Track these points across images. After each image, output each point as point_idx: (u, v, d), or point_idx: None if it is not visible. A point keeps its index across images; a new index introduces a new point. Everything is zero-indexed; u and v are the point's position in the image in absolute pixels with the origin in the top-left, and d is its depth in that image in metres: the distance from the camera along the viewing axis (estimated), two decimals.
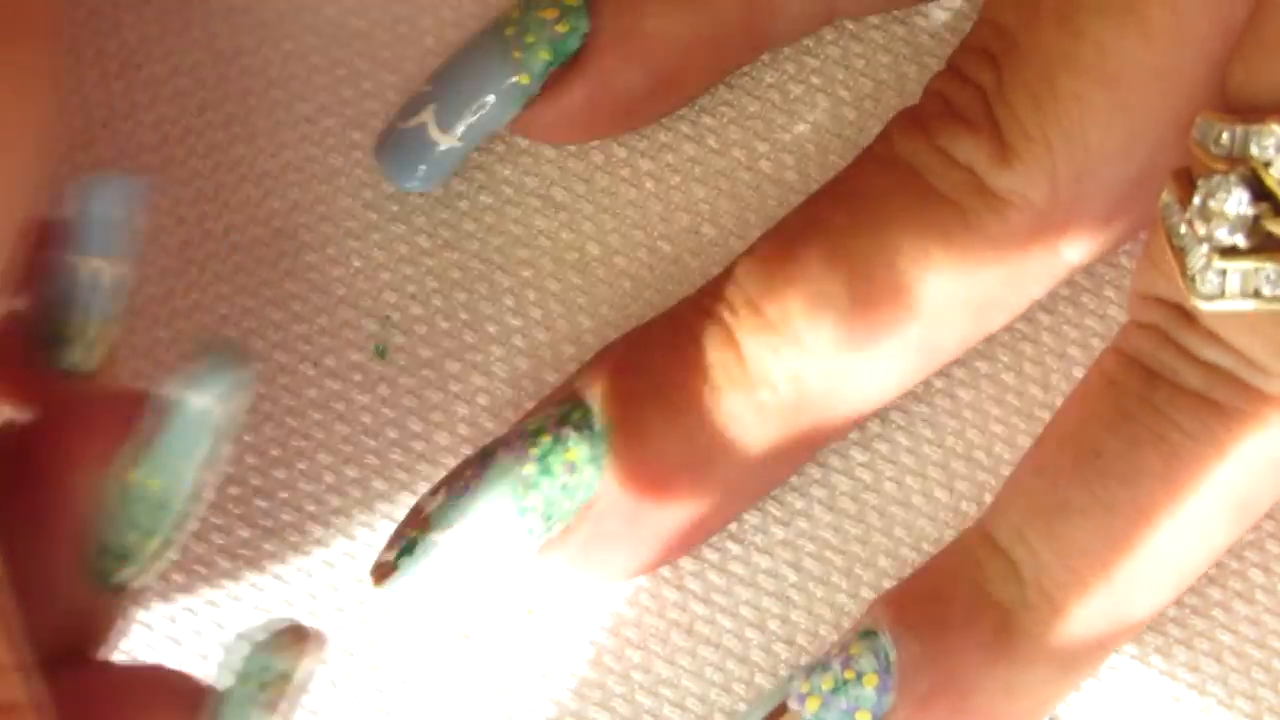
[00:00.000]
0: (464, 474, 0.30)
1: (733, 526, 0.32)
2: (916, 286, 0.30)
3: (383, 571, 0.30)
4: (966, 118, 0.30)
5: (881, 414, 0.33)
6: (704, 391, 0.30)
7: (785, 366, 0.30)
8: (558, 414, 0.31)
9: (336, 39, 0.34)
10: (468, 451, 0.33)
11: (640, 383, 0.31)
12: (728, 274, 0.31)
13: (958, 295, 0.30)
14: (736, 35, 0.32)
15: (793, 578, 0.32)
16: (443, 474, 0.33)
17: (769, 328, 0.30)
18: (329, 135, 0.34)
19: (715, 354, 0.30)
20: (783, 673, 0.32)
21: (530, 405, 0.33)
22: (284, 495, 0.33)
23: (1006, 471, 0.32)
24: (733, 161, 0.33)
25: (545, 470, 0.30)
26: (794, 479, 0.33)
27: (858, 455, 0.32)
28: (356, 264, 0.33)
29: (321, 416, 0.33)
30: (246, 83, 0.34)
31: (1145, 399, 0.29)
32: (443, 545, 0.30)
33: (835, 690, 0.30)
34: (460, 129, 0.32)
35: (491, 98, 0.32)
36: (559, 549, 0.31)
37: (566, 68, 0.32)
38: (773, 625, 0.32)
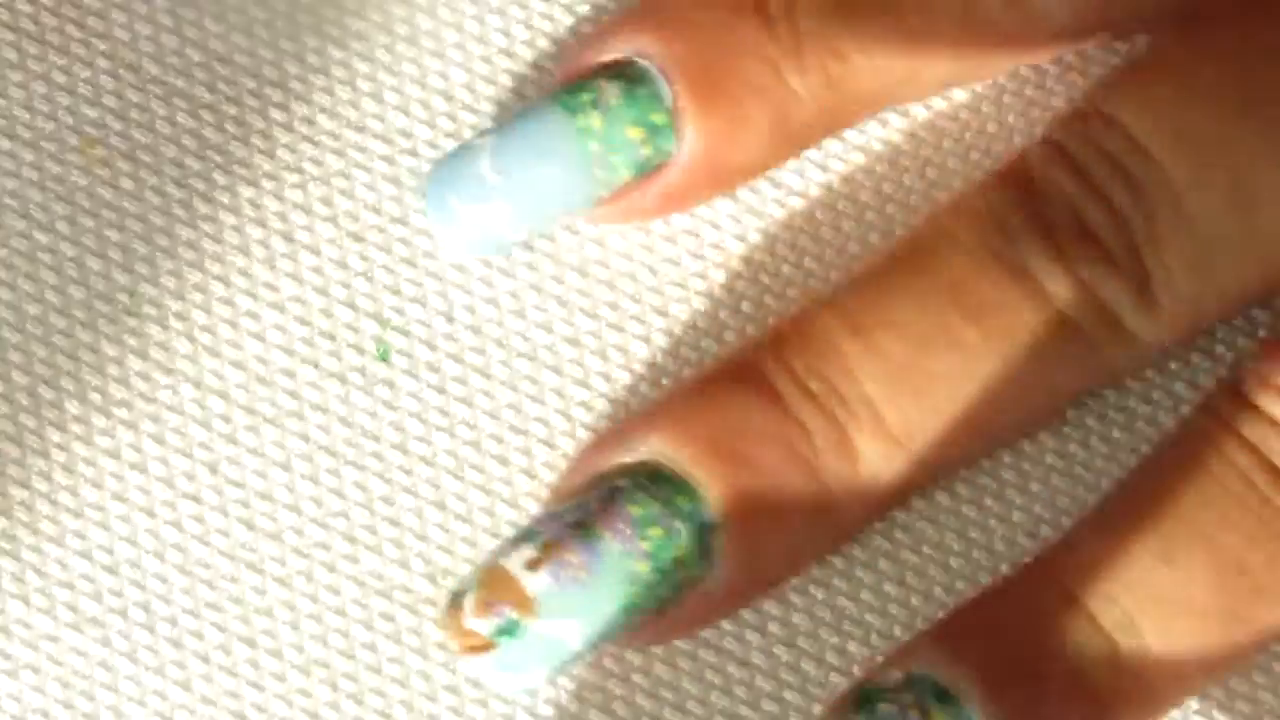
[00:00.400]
0: (565, 555, 0.29)
1: None
2: (1037, 414, 0.30)
3: (475, 645, 0.29)
4: (1106, 247, 0.29)
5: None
6: (819, 497, 0.30)
7: (895, 469, 0.30)
8: (662, 497, 0.30)
9: (334, 40, 0.34)
10: (468, 455, 0.33)
11: (752, 482, 0.30)
12: (832, 353, 0.30)
13: (1067, 401, 0.31)
14: (815, 143, 0.32)
15: (793, 581, 0.32)
16: (442, 477, 0.33)
17: (891, 439, 0.30)
18: (326, 136, 0.34)
19: (829, 457, 0.30)
20: (785, 676, 0.32)
21: (530, 409, 0.33)
22: (284, 498, 0.33)
23: (1008, 475, 0.32)
24: None
25: (658, 567, 0.29)
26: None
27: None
28: (356, 265, 0.33)
29: (321, 419, 0.33)
30: (243, 83, 0.34)
31: None
32: (548, 635, 0.29)
33: None
34: (529, 229, 0.31)
35: (566, 207, 0.31)
36: (656, 628, 0.31)
37: (639, 178, 0.31)
38: (773, 628, 0.32)
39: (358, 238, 0.33)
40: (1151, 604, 0.29)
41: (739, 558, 0.30)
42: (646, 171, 0.31)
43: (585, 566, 0.29)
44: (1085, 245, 0.29)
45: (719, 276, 0.33)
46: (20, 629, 0.32)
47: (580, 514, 0.30)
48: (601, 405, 0.33)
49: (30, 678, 0.32)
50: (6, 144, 0.34)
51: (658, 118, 0.31)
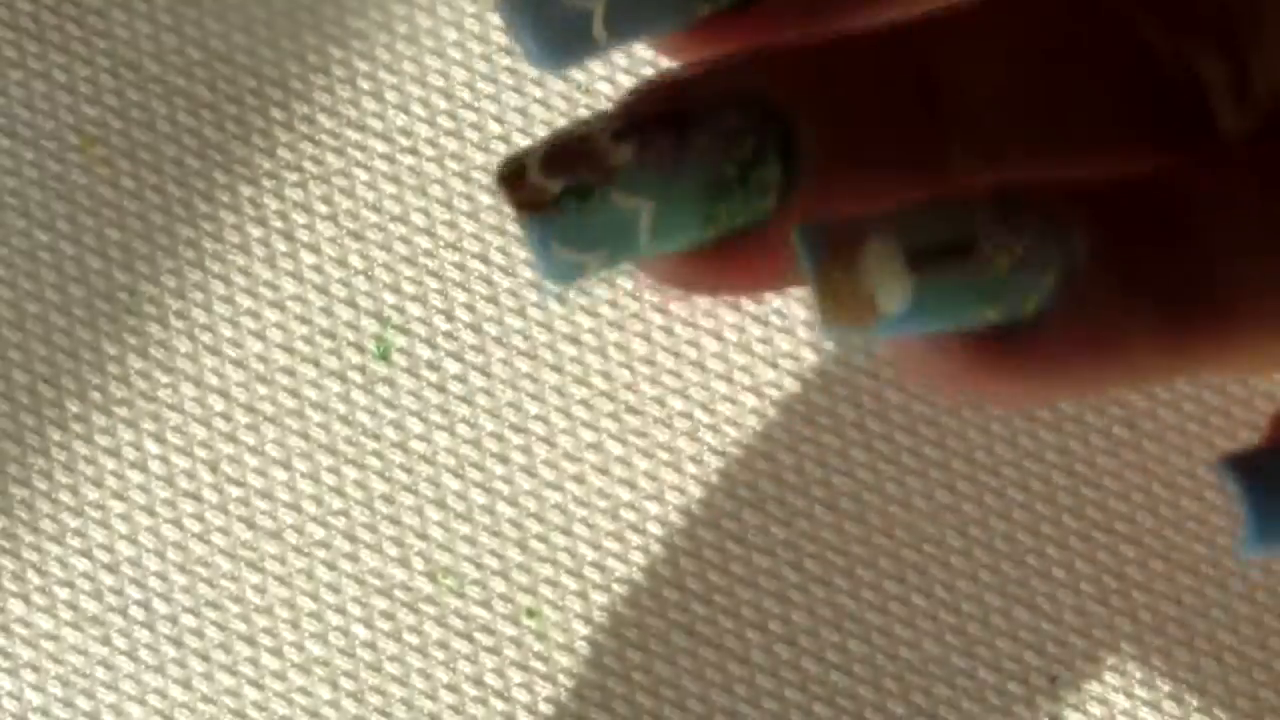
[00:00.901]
0: (655, 138, 0.27)
1: (733, 526, 0.32)
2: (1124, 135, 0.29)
3: (540, 200, 0.26)
4: (1214, 33, 0.28)
5: (881, 413, 0.33)
6: (921, 141, 0.28)
7: (1011, 132, 0.28)
8: (757, 122, 0.27)
9: (334, 38, 0.34)
10: (468, 452, 0.33)
11: (848, 125, 0.28)
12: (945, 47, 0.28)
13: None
14: None
15: (794, 578, 0.32)
16: (442, 475, 0.33)
17: (1002, 106, 0.28)
18: (327, 135, 0.34)
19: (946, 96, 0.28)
20: (785, 674, 0.32)
21: (530, 407, 0.33)
22: (284, 496, 0.33)
23: (1008, 472, 0.32)
24: None
25: (742, 181, 0.27)
26: (794, 478, 0.33)
27: (859, 455, 0.33)
28: (356, 264, 0.33)
29: (322, 417, 0.33)
30: (243, 82, 0.34)
31: None
32: (621, 209, 0.26)
33: (1023, 262, 0.27)
34: (623, 35, 0.28)
35: (666, 11, 0.28)
36: (719, 258, 0.28)
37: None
38: (774, 626, 0.32)
39: (358, 236, 0.33)
40: (1259, 234, 0.28)
41: (821, 198, 0.28)
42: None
43: (673, 155, 0.27)
44: (1195, 25, 0.28)
45: None
46: (20, 627, 0.32)
47: (673, 110, 0.27)
48: (601, 403, 0.33)
49: (30, 676, 0.32)
50: (6, 142, 0.34)
51: None
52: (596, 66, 0.34)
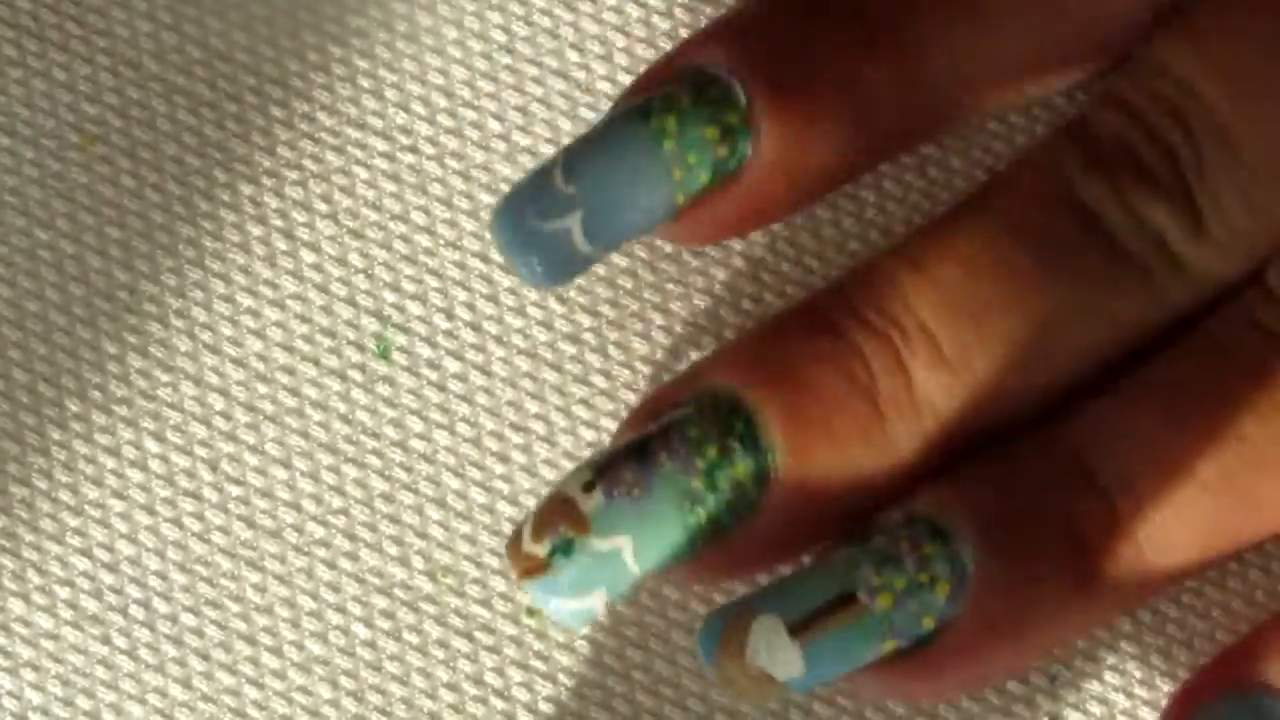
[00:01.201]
0: (621, 474, 0.29)
1: None
2: (1097, 343, 0.30)
3: (533, 566, 0.29)
4: (1157, 179, 0.30)
5: None
6: (871, 421, 0.30)
7: (956, 403, 0.30)
8: (719, 423, 0.30)
9: (334, 36, 0.34)
10: (468, 452, 0.33)
11: (806, 404, 0.30)
12: (888, 285, 0.30)
13: (1128, 347, 0.30)
14: (894, 151, 0.32)
15: None
16: (442, 474, 0.33)
17: (946, 365, 0.30)
18: (326, 133, 0.34)
19: (885, 381, 0.30)
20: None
21: (530, 406, 0.33)
22: (284, 495, 0.33)
23: None
24: None
25: (712, 487, 0.30)
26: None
27: None
28: (357, 264, 0.33)
29: (322, 416, 0.33)
30: (243, 81, 0.34)
31: None
32: (601, 551, 0.29)
33: (907, 592, 0.29)
34: (606, 241, 0.30)
35: (644, 215, 0.30)
36: (713, 558, 0.30)
37: (718, 183, 0.30)
38: None
39: (358, 235, 0.33)
40: (1150, 464, 0.29)
41: (795, 480, 0.30)
42: (722, 176, 0.30)
43: (639, 484, 0.29)
44: (1137, 178, 0.30)
45: (720, 274, 0.33)
46: (20, 626, 0.32)
47: (638, 442, 0.30)
48: (601, 402, 0.33)
49: (30, 675, 0.32)
50: (6, 141, 0.34)
51: (732, 118, 0.30)
52: (597, 65, 0.34)
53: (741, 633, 0.29)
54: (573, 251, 0.30)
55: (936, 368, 0.30)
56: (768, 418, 0.30)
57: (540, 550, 0.29)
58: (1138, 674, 0.32)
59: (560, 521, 0.29)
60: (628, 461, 0.30)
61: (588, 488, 0.29)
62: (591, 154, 0.30)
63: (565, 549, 0.29)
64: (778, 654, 0.29)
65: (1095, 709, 0.32)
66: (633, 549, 0.29)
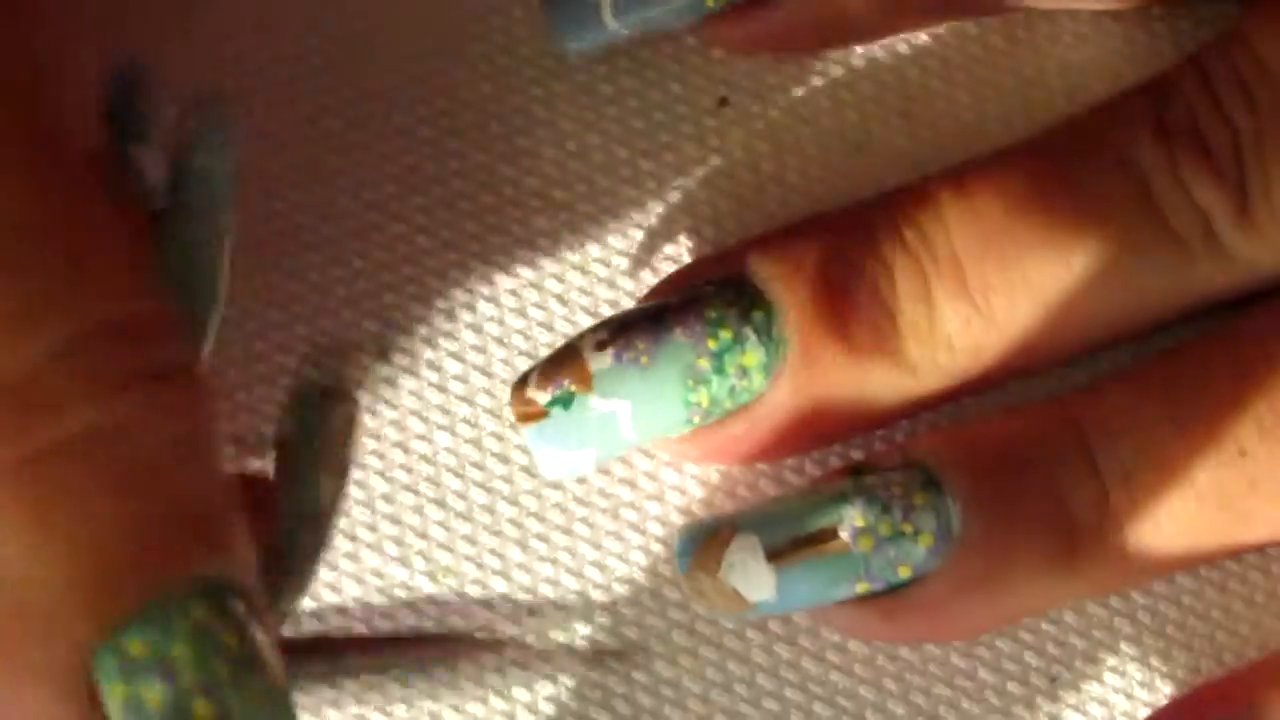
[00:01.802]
0: (634, 339, 0.30)
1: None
2: (1121, 307, 0.30)
3: (531, 413, 0.30)
4: (1216, 159, 0.30)
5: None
6: (889, 337, 0.30)
7: (971, 337, 0.30)
8: (739, 306, 0.30)
9: (337, 40, 0.34)
10: (469, 452, 0.33)
11: (828, 306, 0.30)
12: (932, 204, 0.31)
13: (1151, 321, 0.31)
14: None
15: None
16: (443, 472, 0.33)
17: (968, 297, 0.30)
18: (329, 136, 0.34)
19: (907, 304, 0.30)
20: (785, 674, 0.32)
21: None
22: None
23: None
24: (735, 163, 0.33)
25: (719, 369, 0.30)
26: (792, 476, 0.33)
27: (858, 454, 0.33)
28: (357, 264, 0.33)
29: None
30: (247, 83, 0.34)
31: None
32: (599, 411, 0.30)
33: (890, 539, 0.30)
34: (632, 22, 0.31)
35: (673, 6, 0.31)
36: (709, 440, 0.31)
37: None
38: (774, 626, 0.32)
39: (358, 236, 0.33)
40: (1150, 463, 0.30)
41: (800, 373, 0.30)
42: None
43: (648, 352, 0.30)
44: (1194, 150, 0.30)
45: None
46: None
47: (658, 309, 0.30)
48: None
49: None
50: None
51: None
52: (600, 68, 0.34)
53: (719, 548, 0.30)
54: (599, 23, 0.32)
55: (958, 299, 0.30)
56: (786, 310, 0.30)
57: (542, 398, 0.30)
58: (1138, 676, 0.32)
59: (565, 374, 0.30)
60: (642, 327, 0.30)
61: (600, 345, 0.30)
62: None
63: (565, 402, 0.30)
64: (751, 575, 0.29)
65: (1095, 710, 0.32)
66: (630, 414, 0.30)
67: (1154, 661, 0.32)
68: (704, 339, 0.30)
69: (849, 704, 0.32)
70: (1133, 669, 0.32)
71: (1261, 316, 0.31)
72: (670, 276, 0.32)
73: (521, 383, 0.30)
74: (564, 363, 0.30)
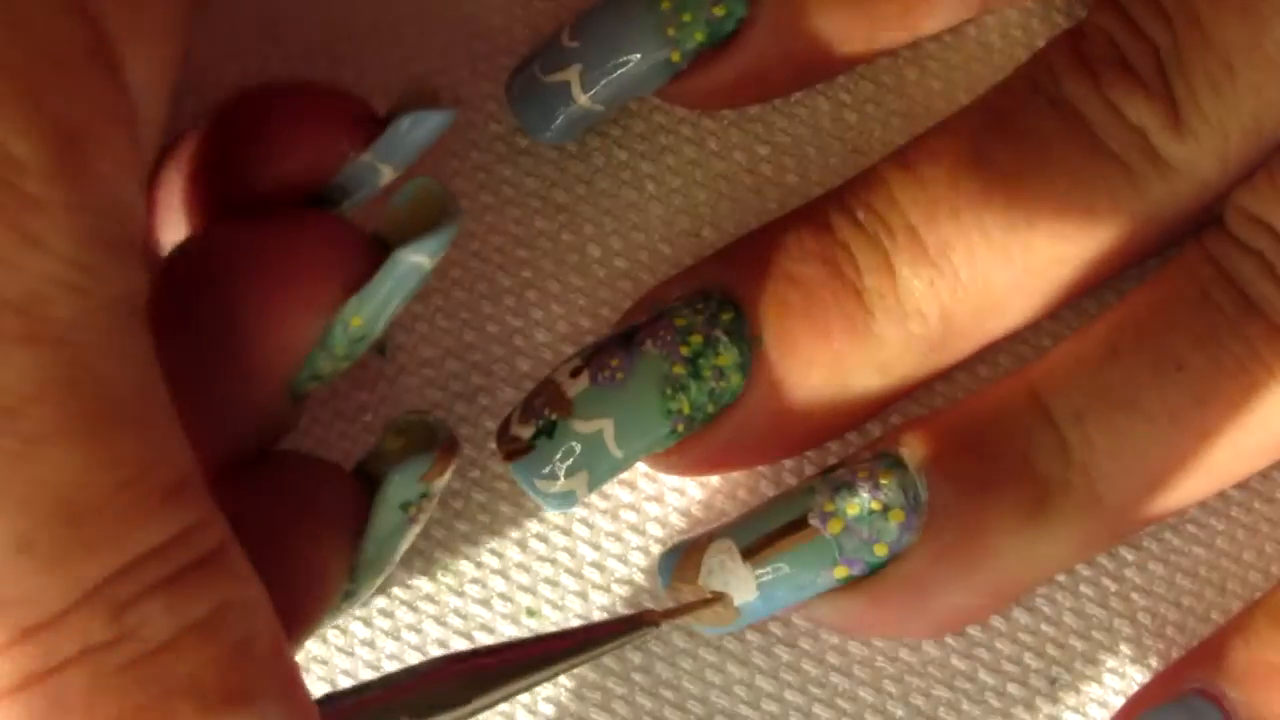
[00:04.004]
0: (608, 360, 0.30)
1: None
2: (1077, 239, 0.31)
3: (516, 448, 0.30)
4: (1139, 75, 0.30)
5: (883, 416, 0.33)
6: (856, 314, 0.31)
7: (938, 301, 0.31)
8: (707, 313, 0.31)
9: (339, 40, 0.34)
10: (468, 451, 0.33)
11: (793, 295, 0.31)
12: (879, 184, 0.31)
13: (1111, 249, 0.31)
14: (893, 28, 0.32)
15: None
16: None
17: (928, 260, 0.31)
18: None
19: (870, 278, 0.31)
20: (785, 676, 0.32)
21: None
22: None
23: None
24: (734, 164, 0.33)
25: (695, 374, 0.30)
26: (791, 479, 0.33)
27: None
28: None
29: (323, 415, 0.33)
30: (248, 83, 0.34)
31: (1238, 328, 0.30)
32: (583, 433, 0.30)
33: (859, 519, 0.30)
34: (604, 95, 0.32)
35: (639, 70, 0.32)
36: (696, 449, 0.31)
37: (718, 47, 0.32)
38: (774, 628, 0.32)
39: None
40: (1098, 398, 0.30)
41: (777, 367, 0.31)
42: (719, 38, 0.31)
43: (623, 368, 0.30)
44: (1119, 73, 0.31)
45: None
46: None
47: (627, 330, 0.31)
48: None
49: None
50: None
51: None
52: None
53: (697, 557, 0.30)
54: (572, 103, 0.32)
55: (918, 263, 0.31)
56: (754, 308, 0.31)
57: (525, 432, 0.30)
58: (1137, 677, 0.32)
59: (544, 405, 0.30)
60: (614, 347, 0.30)
61: (575, 373, 0.30)
62: (595, 13, 0.32)
63: (548, 430, 0.30)
64: (730, 576, 0.30)
65: (1095, 711, 0.32)
66: (613, 431, 0.30)
67: (1153, 663, 0.32)
68: (676, 347, 0.30)
69: (849, 706, 0.32)
70: (1132, 671, 0.32)
71: (1189, 242, 0.31)
72: (634, 304, 0.32)
73: (504, 425, 0.31)
74: (541, 395, 0.30)
